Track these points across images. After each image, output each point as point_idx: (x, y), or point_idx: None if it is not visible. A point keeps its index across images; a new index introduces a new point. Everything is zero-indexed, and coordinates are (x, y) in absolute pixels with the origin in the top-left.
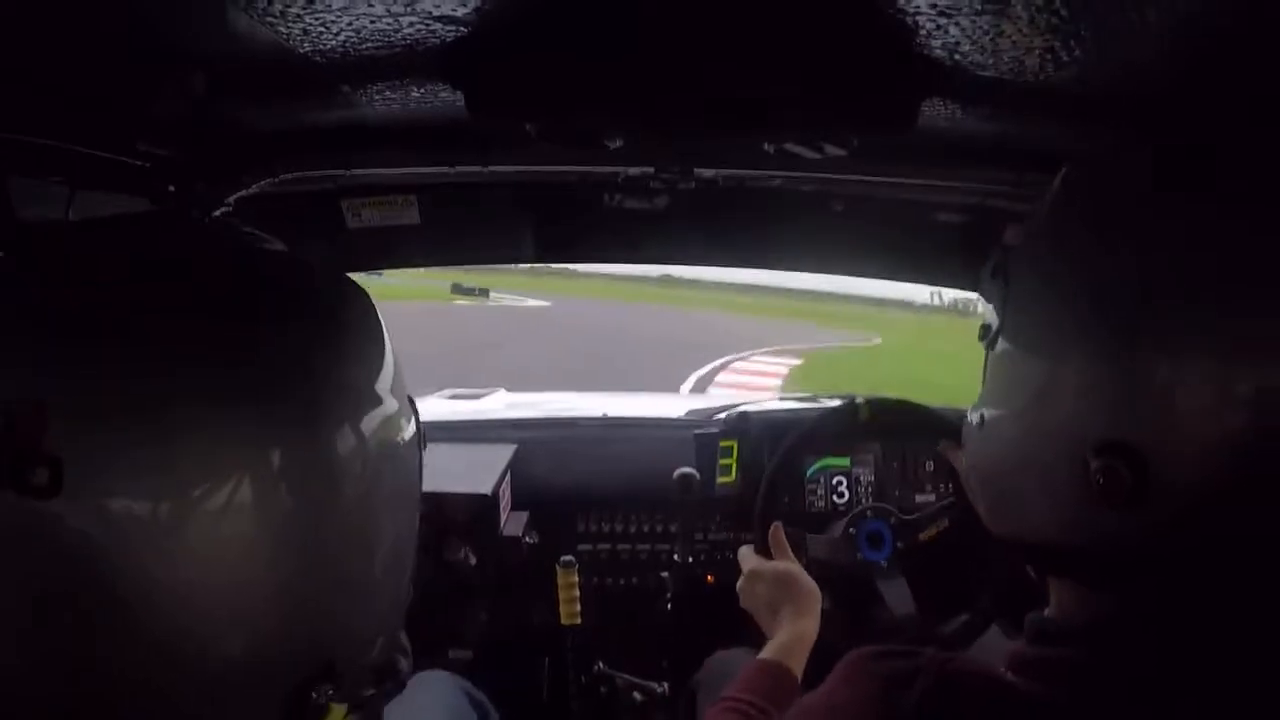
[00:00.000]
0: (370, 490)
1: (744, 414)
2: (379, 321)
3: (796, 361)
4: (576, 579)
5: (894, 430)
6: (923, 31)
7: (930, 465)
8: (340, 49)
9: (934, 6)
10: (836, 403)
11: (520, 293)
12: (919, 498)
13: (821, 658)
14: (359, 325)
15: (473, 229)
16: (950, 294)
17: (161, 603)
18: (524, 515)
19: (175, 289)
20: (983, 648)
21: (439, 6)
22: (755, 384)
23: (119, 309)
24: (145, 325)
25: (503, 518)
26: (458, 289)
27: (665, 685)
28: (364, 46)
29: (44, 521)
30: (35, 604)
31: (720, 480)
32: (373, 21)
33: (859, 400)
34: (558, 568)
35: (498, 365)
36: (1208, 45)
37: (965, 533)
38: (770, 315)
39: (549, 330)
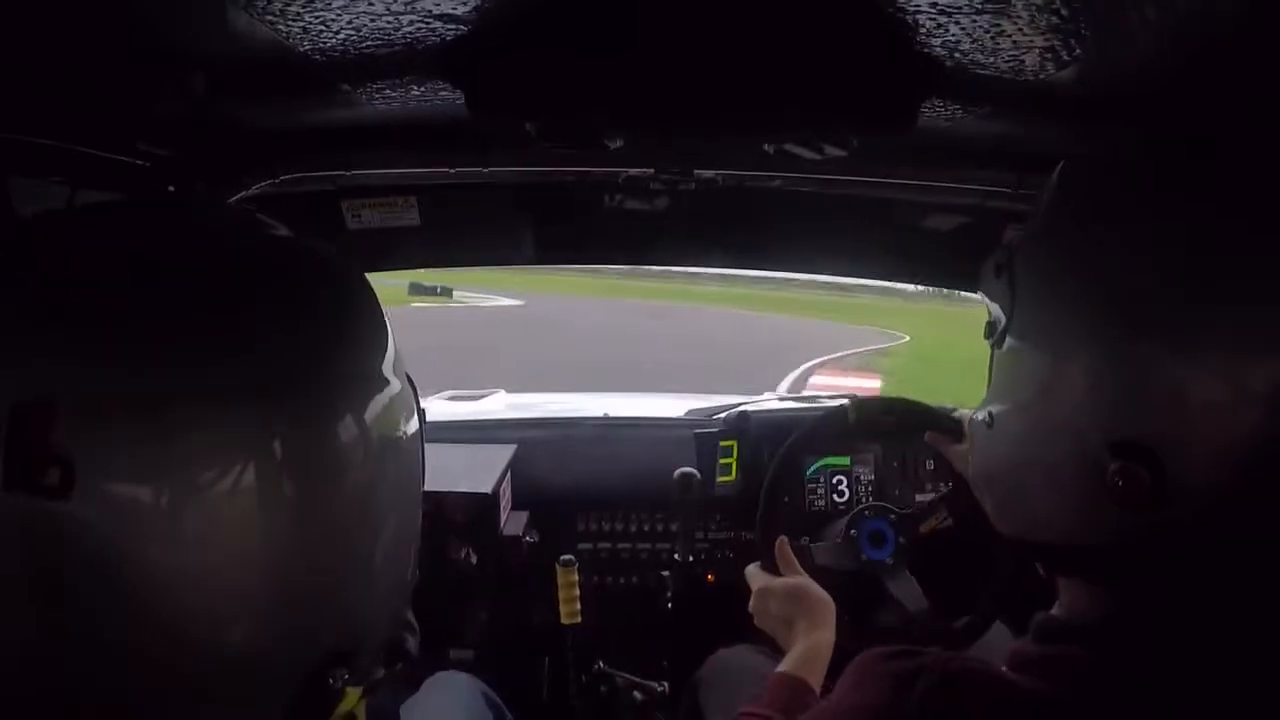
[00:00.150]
0: (374, 473)
1: (744, 414)
2: (378, 304)
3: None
4: (576, 578)
5: (885, 430)
6: (923, 31)
7: (931, 464)
8: (340, 47)
9: (934, 5)
10: (838, 402)
11: (487, 290)
12: (919, 496)
13: (840, 662)
14: (359, 309)
15: (473, 230)
16: None
17: (171, 593)
18: (524, 515)
19: (175, 284)
20: (989, 646)
21: (439, 5)
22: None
23: (119, 305)
24: (145, 321)
25: (503, 517)
26: (416, 289)
27: (665, 684)
28: (364, 45)
29: (54, 519)
30: (48, 597)
31: (720, 480)
32: (373, 20)
33: (843, 403)
34: (558, 567)
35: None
36: (1207, 44)
37: (968, 529)
38: (745, 306)
39: (525, 332)
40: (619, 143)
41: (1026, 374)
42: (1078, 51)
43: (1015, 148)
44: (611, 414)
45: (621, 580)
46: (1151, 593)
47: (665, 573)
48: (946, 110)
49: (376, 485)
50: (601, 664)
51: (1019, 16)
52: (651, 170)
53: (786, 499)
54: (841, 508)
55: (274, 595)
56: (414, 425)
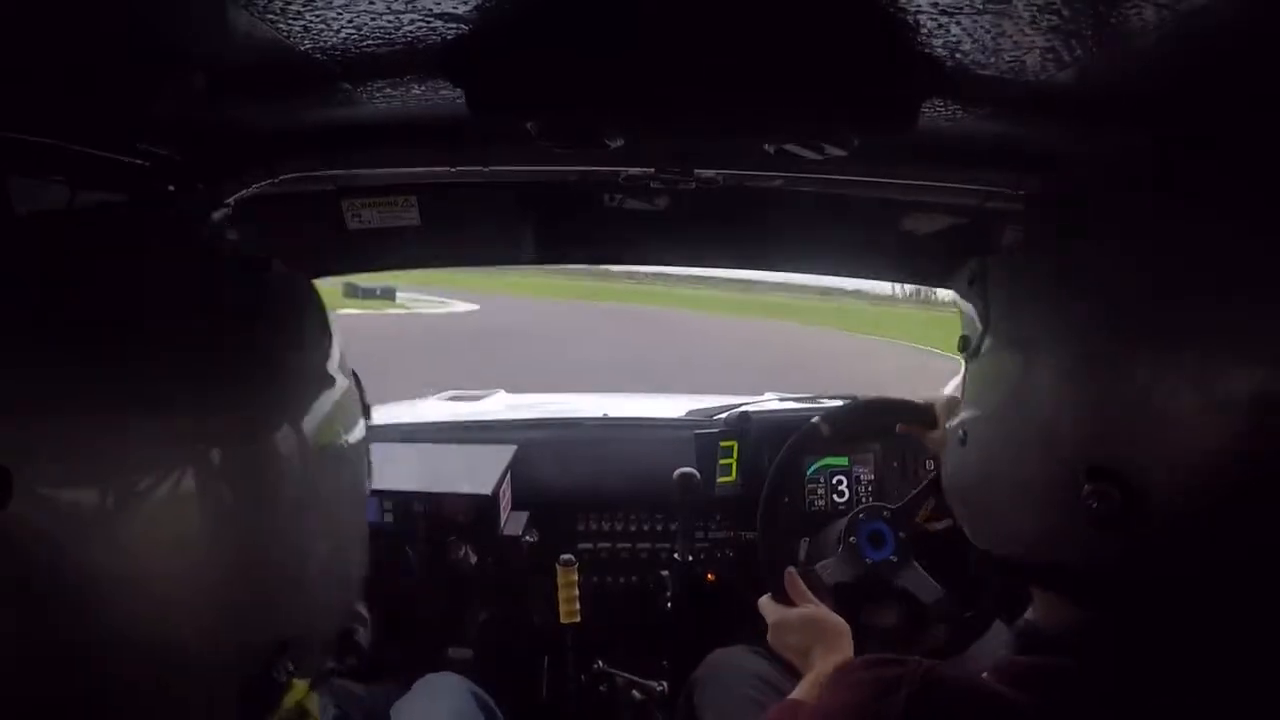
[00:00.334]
0: (315, 472)
1: (744, 414)
2: (323, 306)
3: None
4: (576, 577)
5: (860, 433)
6: (924, 31)
7: (930, 463)
8: (340, 46)
9: (935, 5)
10: (838, 402)
11: (439, 291)
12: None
13: None
14: (300, 311)
15: (473, 230)
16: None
17: (111, 594)
18: (524, 515)
19: (107, 291)
20: (989, 646)
21: (439, 4)
22: None
23: (63, 313)
24: (78, 327)
25: (503, 517)
26: (352, 291)
27: (665, 684)
28: (364, 44)
29: None
30: None
31: (720, 480)
32: (373, 19)
33: (814, 419)
34: (557, 566)
35: None
36: (1208, 44)
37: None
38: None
39: (475, 345)
40: (619, 142)
41: (1001, 388)
42: (1078, 52)
43: (1015, 148)
44: (611, 414)
45: (621, 580)
46: (1125, 606)
47: (665, 572)
48: (947, 110)
49: (316, 481)
50: (601, 663)
51: (1020, 17)
52: (651, 170)
53: (786, 499)
54: (841, 507)
55: (213, 592)
56: (359, 424)
